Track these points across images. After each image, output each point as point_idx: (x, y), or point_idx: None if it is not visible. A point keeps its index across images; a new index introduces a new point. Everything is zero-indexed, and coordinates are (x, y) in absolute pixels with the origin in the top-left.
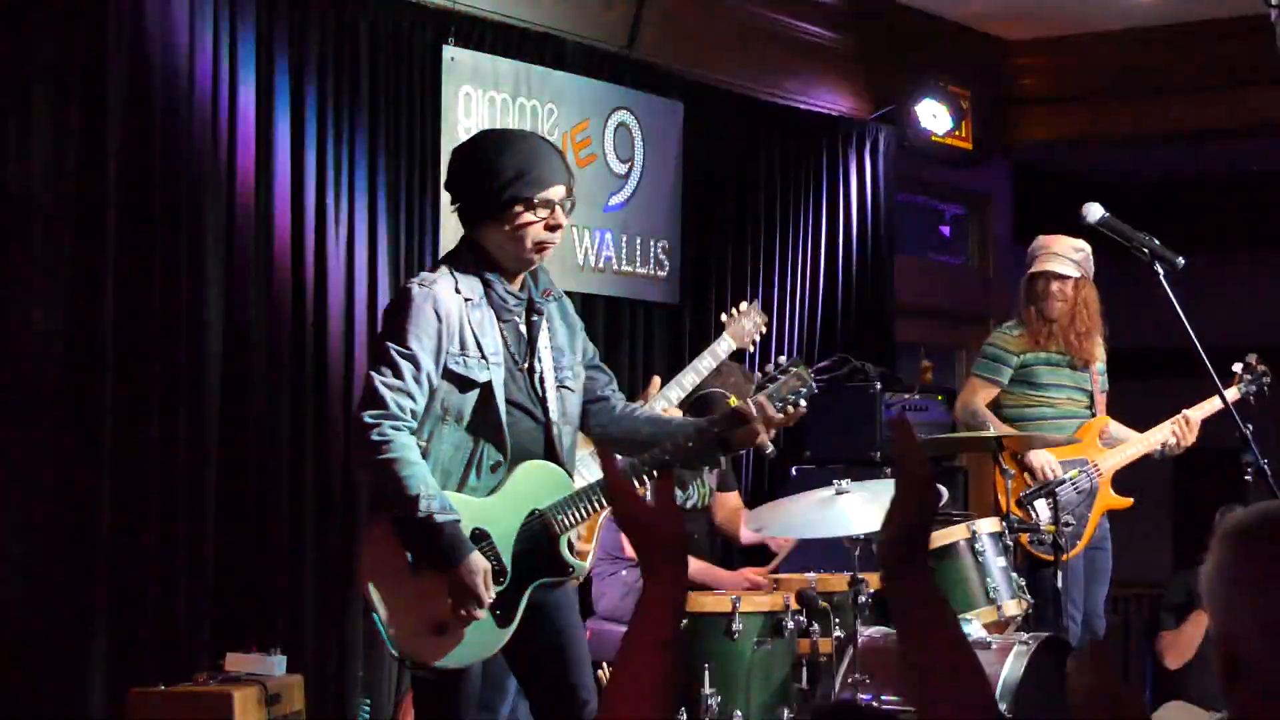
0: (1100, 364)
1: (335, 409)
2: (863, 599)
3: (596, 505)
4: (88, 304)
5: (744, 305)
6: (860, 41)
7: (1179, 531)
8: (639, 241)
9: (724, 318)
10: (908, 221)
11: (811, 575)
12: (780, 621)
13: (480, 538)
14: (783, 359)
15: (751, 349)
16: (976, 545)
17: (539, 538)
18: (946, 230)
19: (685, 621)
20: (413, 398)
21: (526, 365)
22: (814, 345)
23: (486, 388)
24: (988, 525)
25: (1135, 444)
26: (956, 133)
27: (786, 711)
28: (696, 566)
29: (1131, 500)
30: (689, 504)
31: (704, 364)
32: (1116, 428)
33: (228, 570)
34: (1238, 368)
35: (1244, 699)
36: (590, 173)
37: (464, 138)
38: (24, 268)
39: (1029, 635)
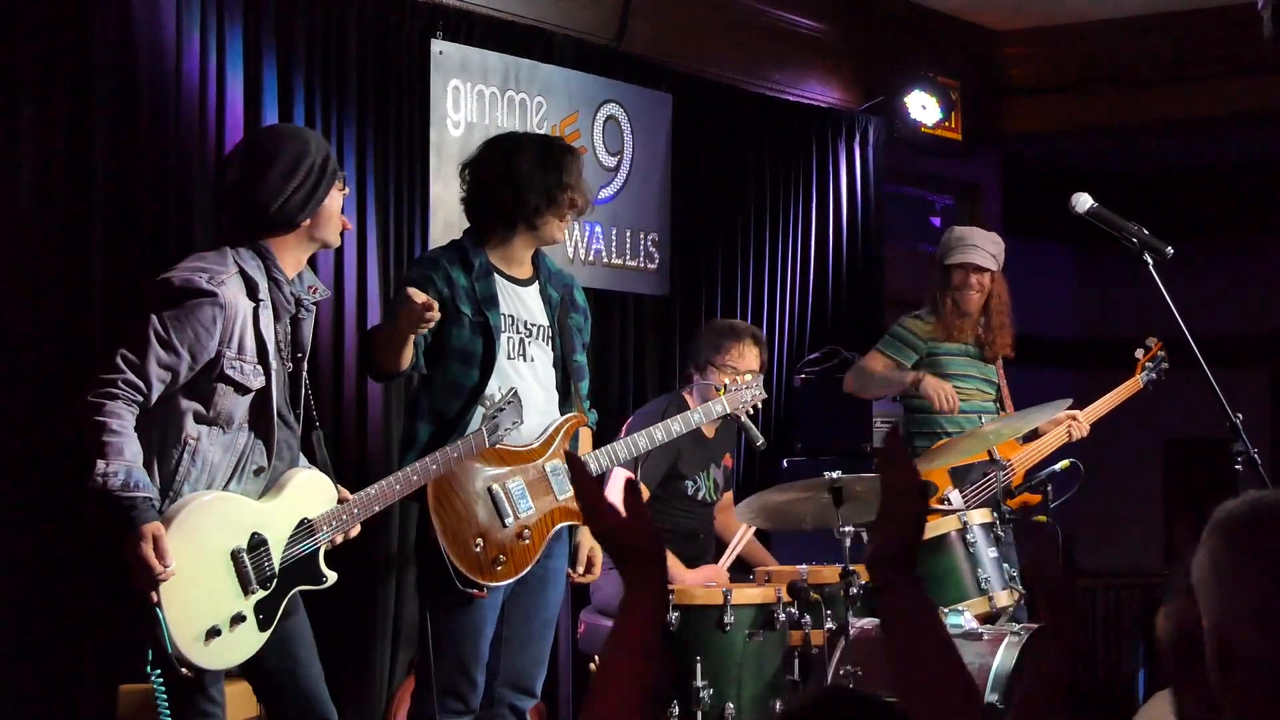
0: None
1: (323, 404)
2: (854, 591)
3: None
4: (76, 300)
5: (748, 377)
6: (849, 33)
7: (1170, 522)
8: (629, 234)
9: (726, 382)
10: (897, 212)
11: (803, 567)
12: (772, 613)
13: (258, 544)
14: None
15: (744, 419)
16: (968, 536)
17: (305, 546)
18: (936, 221)
19: (675, 619)
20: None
21: (291, 368)
22: (804, 337)
23: (261, 393)
24: (979, 516)
25: (1040, 444)
26: (946, 123)
27: (778, 703)
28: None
29: (1040, 496)
30: (698, 495)
31: (694, 418)
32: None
33: None
34: (1139, 354)
35: (1234, 689)
36: None
37: (453, 131)
38: (11, 265)
39: (1021, 626)
